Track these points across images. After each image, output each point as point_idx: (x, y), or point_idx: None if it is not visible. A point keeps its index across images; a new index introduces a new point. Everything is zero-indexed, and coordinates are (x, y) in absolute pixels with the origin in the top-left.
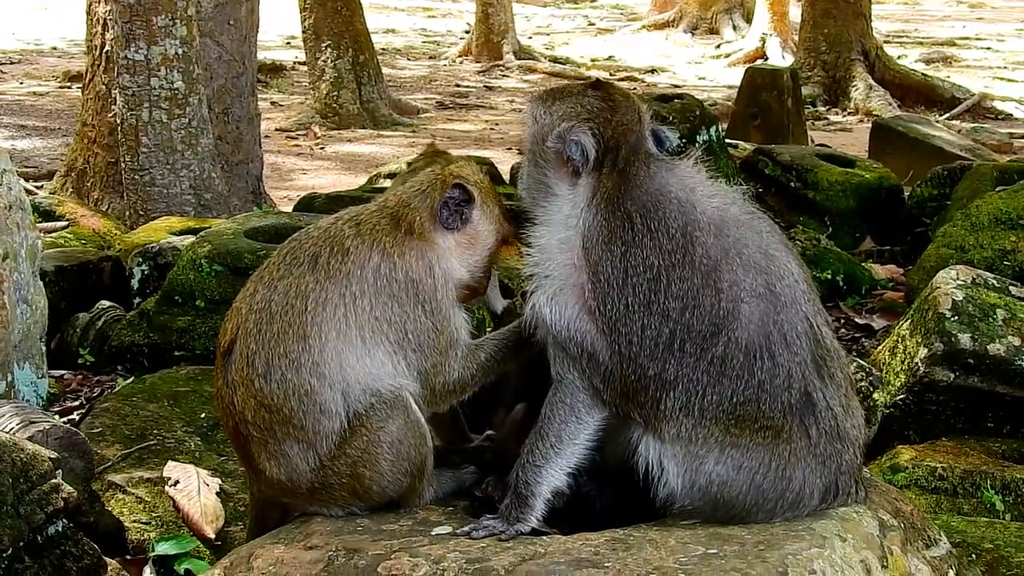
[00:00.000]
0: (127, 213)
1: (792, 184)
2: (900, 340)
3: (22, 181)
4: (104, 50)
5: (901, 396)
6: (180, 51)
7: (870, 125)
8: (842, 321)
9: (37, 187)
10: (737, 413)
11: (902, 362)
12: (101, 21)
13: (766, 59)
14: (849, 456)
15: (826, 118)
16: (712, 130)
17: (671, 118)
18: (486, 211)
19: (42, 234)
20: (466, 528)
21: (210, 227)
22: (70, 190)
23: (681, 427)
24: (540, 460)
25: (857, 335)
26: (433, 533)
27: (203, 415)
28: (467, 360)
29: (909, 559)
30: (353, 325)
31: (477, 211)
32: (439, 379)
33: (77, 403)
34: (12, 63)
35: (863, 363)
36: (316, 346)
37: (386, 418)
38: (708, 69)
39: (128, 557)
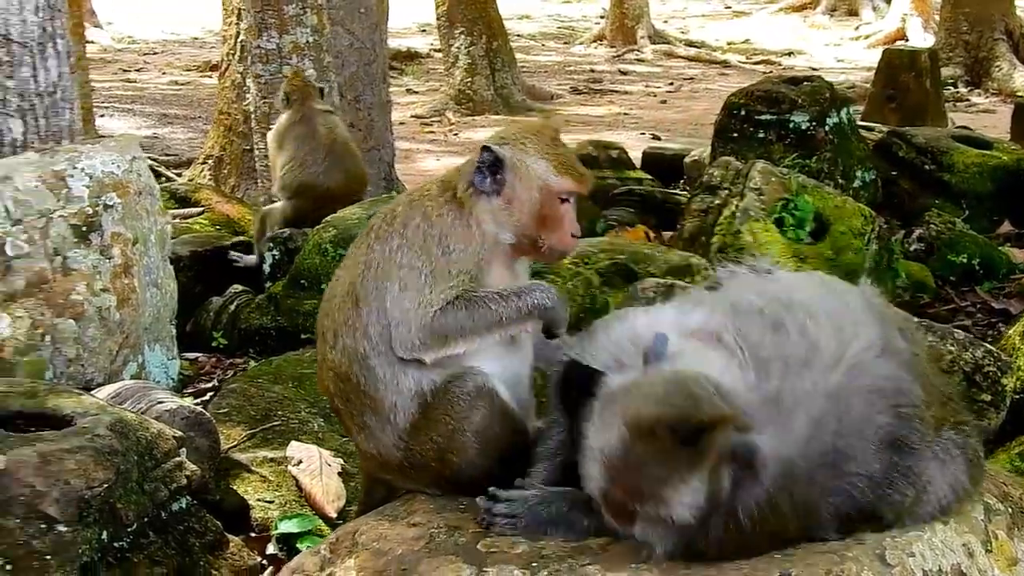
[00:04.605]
0: (262, 199)
1: (927, 167)
2: None
3: (163, 168)
4: (239, 39)
5: None
6: (311, 39)
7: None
8: (978, 306)
9: (177, 174)
10: None
11: None
12: (236, 11)
13: (906, 40)
14: None
15: (968, 99)
16: (843, 112)
17: (800, 101)
18: (521, 171)
19: (172, 219)
20: None
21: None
22: (207, 177)
23: None
24: None
25: (994, 320)
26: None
27: (326, 397)
28: (452, 304)
29: (1016, 544)
30: (392, 281)
31: (510, 173)
32: (418, 316)
33: (210, 385)
34: (155, 54)
35: (991, 348)
36: (364, 308)
37: (470, 404)
38: (846, 51)
39: (252, 535)
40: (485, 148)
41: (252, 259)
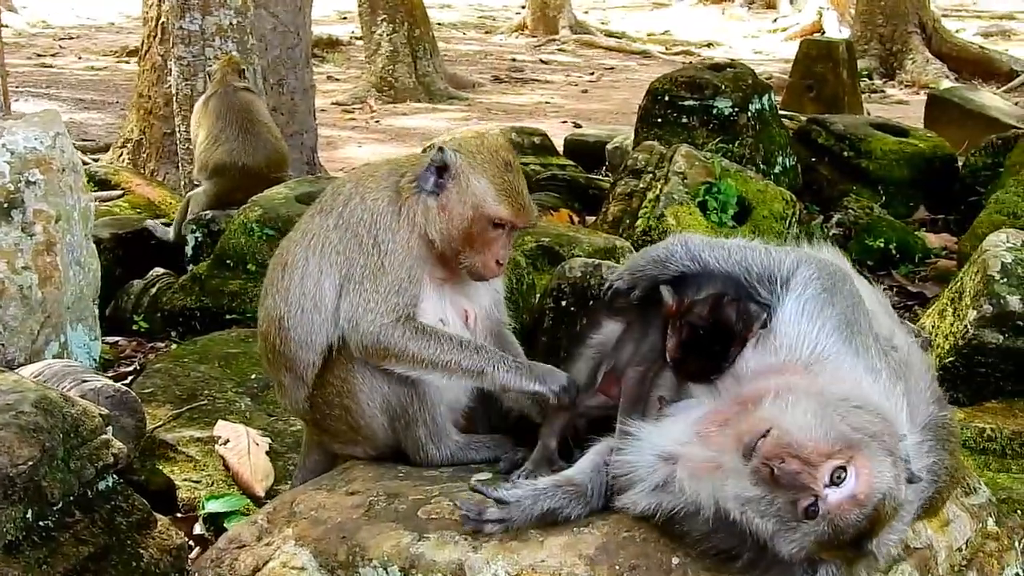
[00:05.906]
0: (183, 183)
1: (845, 153)
2: (949, 303)
3: (80, 153)
4: (160, 21)
5: (950, 359)
6: (234, 21)
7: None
8: (894, 289)
9: (94, 159)
10: None
11: (951, 325)
12: None
13: (823, 33)
14: None
15: (882, 91)
16: (765, 99)
17: (723, 87)
18: (462, 184)
19: (95, 201)
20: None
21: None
22: (126, 161)
23: None
24: None
25: (910, 303)
26: (473, 480)
27: (253, 376)
28: (404, 325)
29: (948, 506)
30: (317, 254)
31: (452, 181)
32: (366, 322)
33: (131, 368)
34: (71, 38)
35: (912, 326)
36: (290, 273)
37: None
38: (764, 43)
39: (178, 515)
40: (440, 148)
41: (168, 232)
